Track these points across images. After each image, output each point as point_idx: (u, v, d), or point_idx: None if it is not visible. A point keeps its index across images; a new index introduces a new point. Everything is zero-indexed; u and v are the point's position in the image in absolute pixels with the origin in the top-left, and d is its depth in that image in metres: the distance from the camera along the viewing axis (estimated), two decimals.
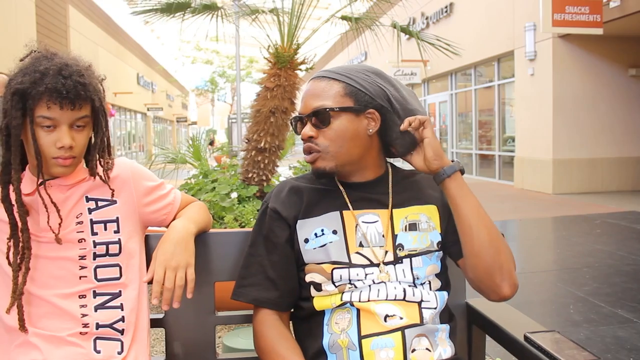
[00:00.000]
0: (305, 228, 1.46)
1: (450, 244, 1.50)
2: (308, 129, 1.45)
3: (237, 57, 10.13)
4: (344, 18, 4.65)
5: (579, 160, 11.52)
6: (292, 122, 1.51)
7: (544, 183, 11.71)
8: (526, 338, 1.41)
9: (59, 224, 1.41)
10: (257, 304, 1.47)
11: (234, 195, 4.17)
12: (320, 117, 1.44)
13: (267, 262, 1.46)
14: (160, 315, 1.64)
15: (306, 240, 1.45)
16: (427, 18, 17.49)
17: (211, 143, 23.74)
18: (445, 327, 1.44)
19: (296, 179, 1.57)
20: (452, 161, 1.45)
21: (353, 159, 1.47)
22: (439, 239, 1.48)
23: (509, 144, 13.73)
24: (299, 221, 1.47)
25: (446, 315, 1.48)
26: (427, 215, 1.49)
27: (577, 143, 11.46)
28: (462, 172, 1.46)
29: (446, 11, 16.24)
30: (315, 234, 1.44)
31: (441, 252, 1.49)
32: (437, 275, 1.48)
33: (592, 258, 6.03)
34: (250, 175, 4.39)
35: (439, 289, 1.48)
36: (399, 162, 1.63)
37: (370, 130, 1.47)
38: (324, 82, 1.47)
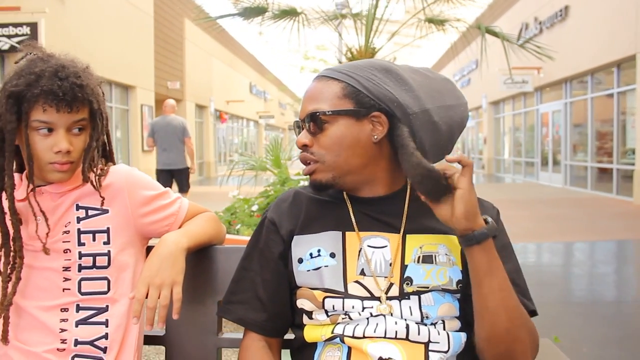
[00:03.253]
0: (301, 246, 1.27)
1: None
2: (303, 136, 1.27)
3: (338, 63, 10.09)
4: (429, 21, 4.39)
5: None
6: (294, 127, 1.33)
7: None
8: None
9: (47, 233, 1.35)
10: (242, 324, 1.31)
11: None
12: (315, 122, 1.25)
13: (260, 279, 1.30)
14: (161, 333, 1.54)
15: (300, 260, 1.26)
16: (540, 23, 16.76)
17: None
18: None
19: (303, 188, 1.38)
20: (486, 221, 1.16)
21: (354, 169, 1.25)
22: (460, 277, 1.22)
23: (629, 156, 12.70)
24: (295, 237, 1.28)
25: (466, 358, 1.23)
26: (447, 247, 1.24)
27: None
28: (495, 236, 1.17)
29: (561, 15, 15.42)
30: (311, 254, 1.25)
31: (459, 293, 1.23)
32: (454, 317, 1.23)
33: None
34: None
35: (457, 330, 1.23)
36: None
37: (376, 137, 1.24)
38: (322, 82, 1.28)
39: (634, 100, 12.29)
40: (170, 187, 8.34)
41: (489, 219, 1.16)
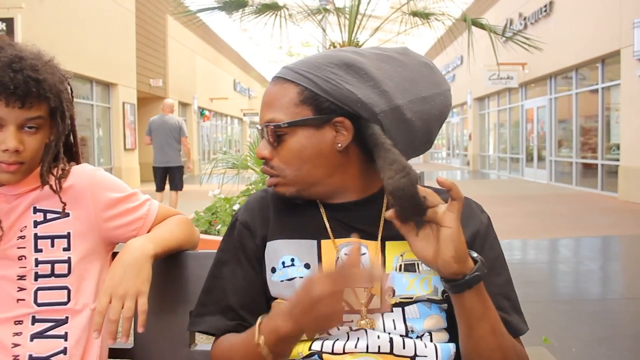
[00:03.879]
0: (273, 253, 1.16)
1: None
2: (262, 147, 1.17)
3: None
4: (414, 14, 4.31)
5: None
6: (258, 132, 1.23)
7: None
8: None
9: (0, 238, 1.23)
10: (213, 332, 1.18)
11: None
12: (272, 135, 1.14)
13: (231, 287, 1.18)
14: (129, 346, 1.43)
15: (273, 270, 1.15)
16: (524, 18, 16.79)
17: None
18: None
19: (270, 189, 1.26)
20: (474, 260, 1.04)
21: (318, 181, 1.15)
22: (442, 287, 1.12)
23: (613, 152, 12.74)
24: (268, 243, 1.17)
25: None
26: None
27: None
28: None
29: (545, 10, 15.47)
30: (283, 263, 1.14)
31: (446, 304, 1.13)
32: (442, 328, 1.13)
33: None
34: None
35: (447, 342, 1.13)
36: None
37: (340, 145, 1.12)
38: (278, 86, 1.16)
39: (618, 95, 12.33)
40: (165, 184, 8.91)
41: (477, 256, 1.05)
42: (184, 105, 22.34)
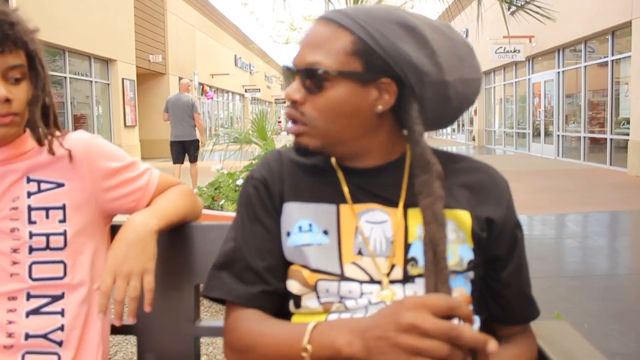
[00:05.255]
0: (289, 216, 1.07)
1: (487, 272, 1.10)
2: (294, 90, 1.05)
3: None
4: None
5: None
6: (283, 73, 1.11)
7: None
8: None
9: None
10: (231, 298, 1.06)
11: None
12: (313, 79, 1.03)
13: (253, 249, 1.08)
14: (132, 321, 1.34)
15: (288, 234, 1.06)
16: None
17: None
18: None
19: (287, 150, 1.18)
20: None
21: (347, 140, 1.06)
22: (471, 256, 1.05)
23: (623, 126, 12.61)
24: (284, 203, 1.09)
25: None
26: (455, 223, 1.06)
27: None
28: None
29: None
30: (300, 228, 1.05)
31: (472, 272, 1.06)
32: None
33: None
34: None
35: None
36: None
37: (380, 108, 1.04)
38: (329, 29, 1.04)
39: (628, 68, 12.17)
40: (183, 157, 9.82)
41: None
42: None
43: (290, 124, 1.08)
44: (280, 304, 1.09)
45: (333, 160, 1.12)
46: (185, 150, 9.77)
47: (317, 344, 0.89)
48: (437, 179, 1.00)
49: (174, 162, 9.77)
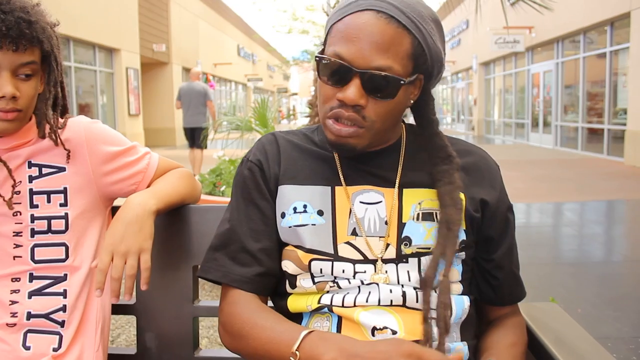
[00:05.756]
0: (284, 197, 1.11)
1: (479, 253, 1.15)
2: (358, 94, 1.00)
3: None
4: None
5: None
6: (323, 66, 1.03)
7: None
8: None
9: None
10: (226, 281, 1.10)
11: None
12: (385, 86, 1.00)
13: (247, 230, 1.11)
14: (132, 301, 1.41)
15: (282, 215, 1.10)
16: None
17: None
18: (462, 347, 1.07)
19: (283, 133, 1.21)
20: None
21: (385, 133, 1.10)
22: (464, 236, 1.09)
23: (620, 116, 12.60)
24: (279, 186, 1.12)
25: (470, 330, 1.11)
26: None
27: None
28: None
29: None
30: (295, 209, 1.09)
31: (463, 253, 1.10)
32: (458, 281, 1.11)
33: None
34: None
35: (460, 294, 1.10)
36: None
37: (412, 102, 1.09)
38: (393, 28, 0.99)
39: (627, 60, 12.14)
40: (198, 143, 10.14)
41: None
42: (187, 70, 22.14)
43: (338, 126, 1.04)
44: (275, 286, 1.13)
45: None
46: (196, 135, 10.09)
47: (305, 353, 0.93)
48: (457, 170, 1.08)
49: (190, 147, 10.27)
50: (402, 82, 1.00)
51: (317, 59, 1.05)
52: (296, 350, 0.93)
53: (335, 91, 1.02)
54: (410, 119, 1.24)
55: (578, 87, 14.95)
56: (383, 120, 1.04)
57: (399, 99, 1.03)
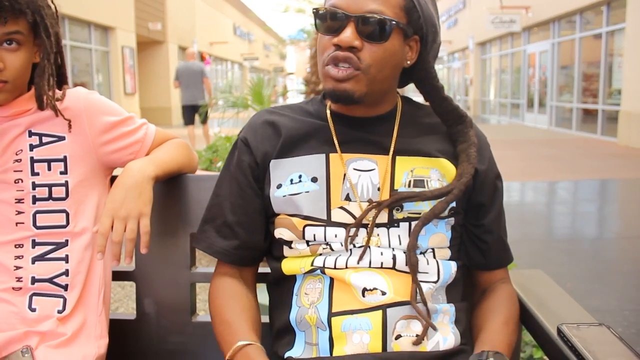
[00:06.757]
0: (280, 170, 1.15)
1: (468, 220, 1.20)
2: (352, 36, 1.05)
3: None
4: None
5: None
6: (320, 16, 1.09)
7: None
8: (559, 332, 1.06)
9: None
10: (210, 252, 1.20)
11: None
12: (377, 28, 1.05)
13: (228, 204, 1.18)
14: (131, 268, 1.45)
15: (279, 186, 1.14)
16: None
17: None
18: (449, 309, 1.12)
19: (276, 109, 1.24)
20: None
21: (382, 90, 1.13)
22: (453, 203, 1.13)
23: (614, 97, 12.62)
24: (272, 161, 1.16)
25: (456, 293, 1.16)
26: (440, 172, 1.14)
27: None
28: None
29: None
30: (291, 180, 1.14)
31: (453, 218, 1.15)
32: (446, 247, 1.16)
33: None
34: None
35: (448, 259, 1.15)
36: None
37: (408, 62, 1.13)
38: None
39: (622, 41, 12.12)
40: (194, 119, 10.50)
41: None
42: (183, 49, 22.01)
43: (336, 69, 1.07)
44: (256, 258, 1.22)
45: (328, 111, 1.19)
46: (195, 112, 10.41)
47: None
48: (470, 127, 1.16)
49: (186, 124, 10.64)
50: (394, 22, 1.05)
51: (314, 11, 1.11)
52: (228, 357, 1.05)
53: (332, 39, 1.07)
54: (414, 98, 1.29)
55: (574, 67, 14.93)
56: (378, 66, 1.07)
57: (393, 46, 1.08)
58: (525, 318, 1.21)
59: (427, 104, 1.21)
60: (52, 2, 1.26)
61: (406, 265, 1.08)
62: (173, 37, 20.12)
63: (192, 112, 10.48)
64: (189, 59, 11.02)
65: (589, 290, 3.62)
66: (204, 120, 10.45)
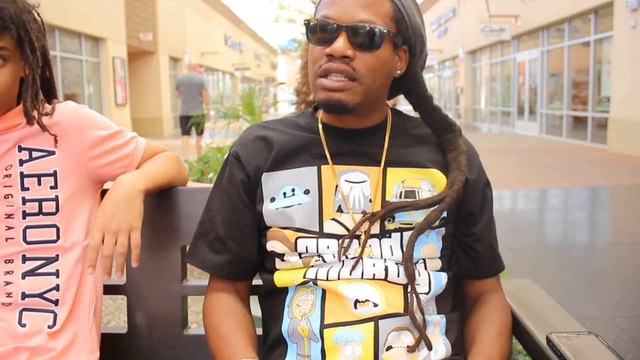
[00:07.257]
0: (272, 183, 1.16)
1: (459, 229, 1.20)
2: (344, 46, 1.06)
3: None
4: None
5: None
6: (311, 27, 1.10)
7: None
8: (549, 341, 1.07)
9: None
10: (203, 268, 1.20)
11: None
12: (369, 37, 1.06)
13: (220, 219, 1.19)
14: (122, 282, 1.44)
15: (272, 200, 1.15)
16: None
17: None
18: (440, 320, 1.12)
19: (267, 123, 1.25)
20: None
21: (375, 99, 1.14)
22: (444, 214, 1.14)
23: (604, 104, 12.72)
24: (264, 174, 1.16)
25: (447, 304, 1.16)
26: (430, 183, 1.15)
27: None
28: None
29: None
30: (284, 194, 1.14)
31: (443, 228, 1.16)
32: (437, 257, 1.16)
33: None
34: None
35: (439, 270, 1.16)
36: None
37: (398, 72, 1.15)
38: None
39: (610, 48, 12.23)
40: (191, 130, 10.68)
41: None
42: (174, 60, 22.02)
43: (328, 80, 1.08)
44: (249, 272, 1.22)
45: (320, 125, 1.19)
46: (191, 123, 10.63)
47: None
48: (459, 136, 1.17)
49: (183, 134, 10.88)
50: (384, 31, 1.07)
51: (305, 22, 1.11)
52: None
53: (324, 49, 1.08)
54: (403, 109, 1.31)
55: (563, 75, 15.05)
56: (373, 75, 1.09)
57: (384, 55, 1.09)
58: (515, 327, 1.21)
59: (417, 115, 1.22)
60: (39, 15, 1.25)
61: (398, 277, 1.08)
62: (164, 47, 20.13)
63: (187, 123, 10.62)
64: (190, 70, 11.31)
65: (581, 297, 3.63)
66: (201, 132, 10.53)
